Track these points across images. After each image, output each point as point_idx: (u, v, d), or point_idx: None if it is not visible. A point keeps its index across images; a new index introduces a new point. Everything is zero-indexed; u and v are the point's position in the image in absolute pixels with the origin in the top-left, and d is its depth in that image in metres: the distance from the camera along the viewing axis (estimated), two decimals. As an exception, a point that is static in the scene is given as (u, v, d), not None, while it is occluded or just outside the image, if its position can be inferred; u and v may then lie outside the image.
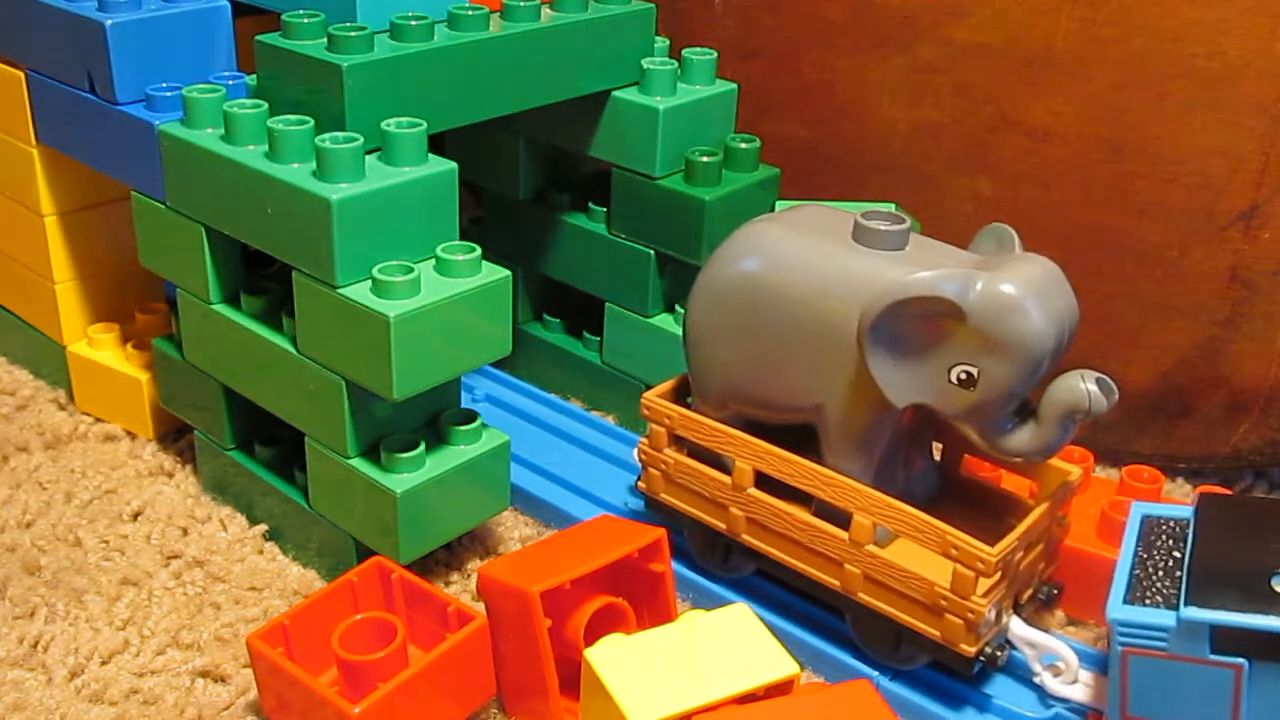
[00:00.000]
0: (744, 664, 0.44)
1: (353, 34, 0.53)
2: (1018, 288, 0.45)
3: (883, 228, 0.50)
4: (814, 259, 0.50)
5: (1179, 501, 0.62)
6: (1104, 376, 0.47)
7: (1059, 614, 0.57)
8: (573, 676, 0.47)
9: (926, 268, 0.47)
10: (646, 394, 0.57)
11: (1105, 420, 0.66)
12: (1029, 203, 0.65)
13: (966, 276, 0.46)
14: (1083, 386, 0.46)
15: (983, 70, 0.64)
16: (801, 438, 0.53)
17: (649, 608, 0.51)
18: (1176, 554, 0.47)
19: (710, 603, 0.55)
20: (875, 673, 0.52)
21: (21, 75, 0.63)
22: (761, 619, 0.48)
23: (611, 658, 0.44)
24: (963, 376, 0.47)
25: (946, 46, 0.65)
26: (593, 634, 0.48)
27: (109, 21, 0.56)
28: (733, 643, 0.45)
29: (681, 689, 0.43)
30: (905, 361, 0.48)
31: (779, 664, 0.45)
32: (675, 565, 0.54)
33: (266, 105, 0.53)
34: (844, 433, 0.51)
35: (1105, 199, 0.63)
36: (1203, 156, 0.60)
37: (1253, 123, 0.59)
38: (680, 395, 0.57)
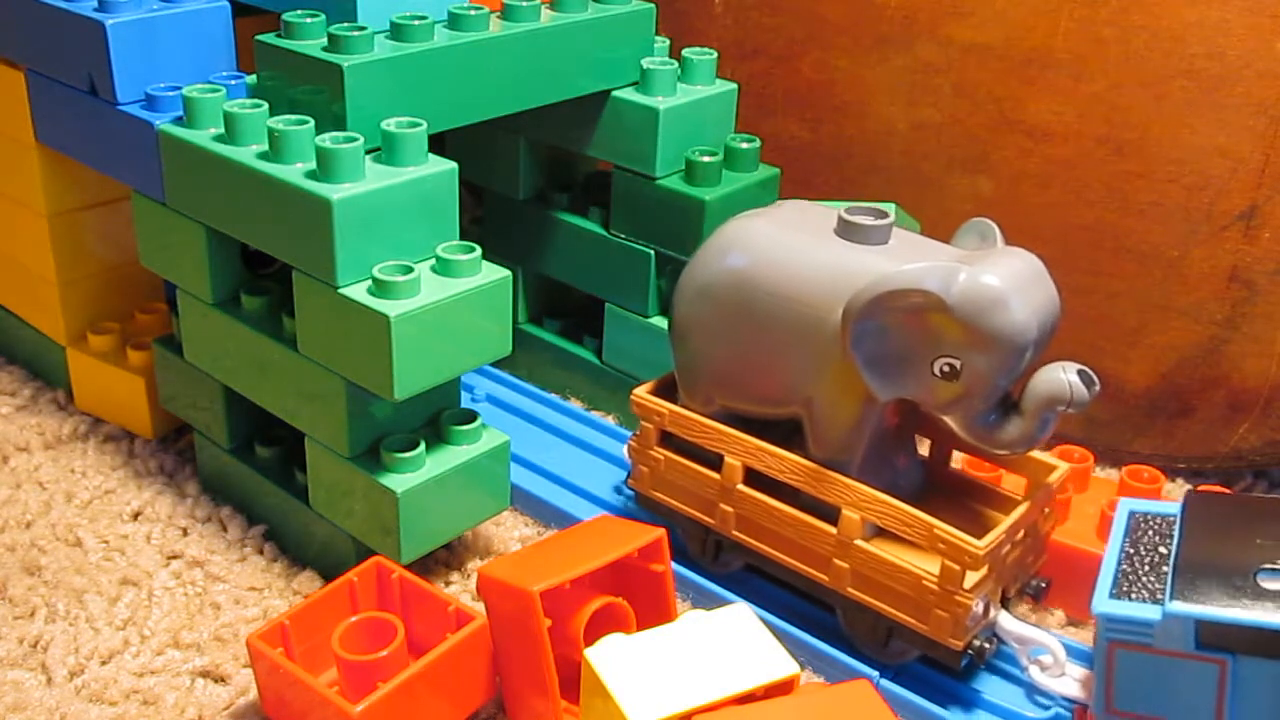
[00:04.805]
0: (744, 664, 0.44)
1: (353, 34, 0.53)
2: (1000, 280, 0.46)
3: (866, 223, 0.50)
4: (799, 254, 0.50)
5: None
6: (1085, 368, 0.47)
7: (1058, 614, 0.57)
8: (573, 676, 0.47)
9: (909, 262, 0.47)
10: (636, 390, 0.57)
11: (1105, 420, 0.67)
12: (1029, 203, 0.65)
13: (949, 270, 0.46)
14: (1064, 377, 0.47)
15: (983, 70, 0.64)
16: (787, 432, 0.53)
17: (649, 608, 0.51)
18: (1163, 550, 0.47)
19: (710, 603, 0.55)
20: (875, 673, 0.52)
21: (21, 75, 0.63)
22: (762, 619, 0.48)
23: (611, 658, 0.44)
24: (946, 369, 0.47)
25: (946, 46, 0.65)
26: (593, 634, 0.47)
27: (109, 21, 0.56)
28: (733, 643, 0.45)
29: (681, 689, 0.43)
30: (889, 355, 0.48)
31: (779, 664, 0.45)
32: (675, 565, 0.54)
33: (266, 105, 0.53)
34: (830, 427, 0.51)
35: (1105, 199, 0.63)
36: (1203, 156, 0.60)
37: (1253, 123, 0.59)
38: (670, 392, 0.57)
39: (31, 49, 0.61)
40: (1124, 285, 0.64)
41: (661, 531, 0.51)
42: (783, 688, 0.44)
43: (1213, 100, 0.59)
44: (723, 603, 0.52)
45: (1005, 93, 0.64)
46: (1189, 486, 0.66)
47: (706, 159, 0.63)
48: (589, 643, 0.46)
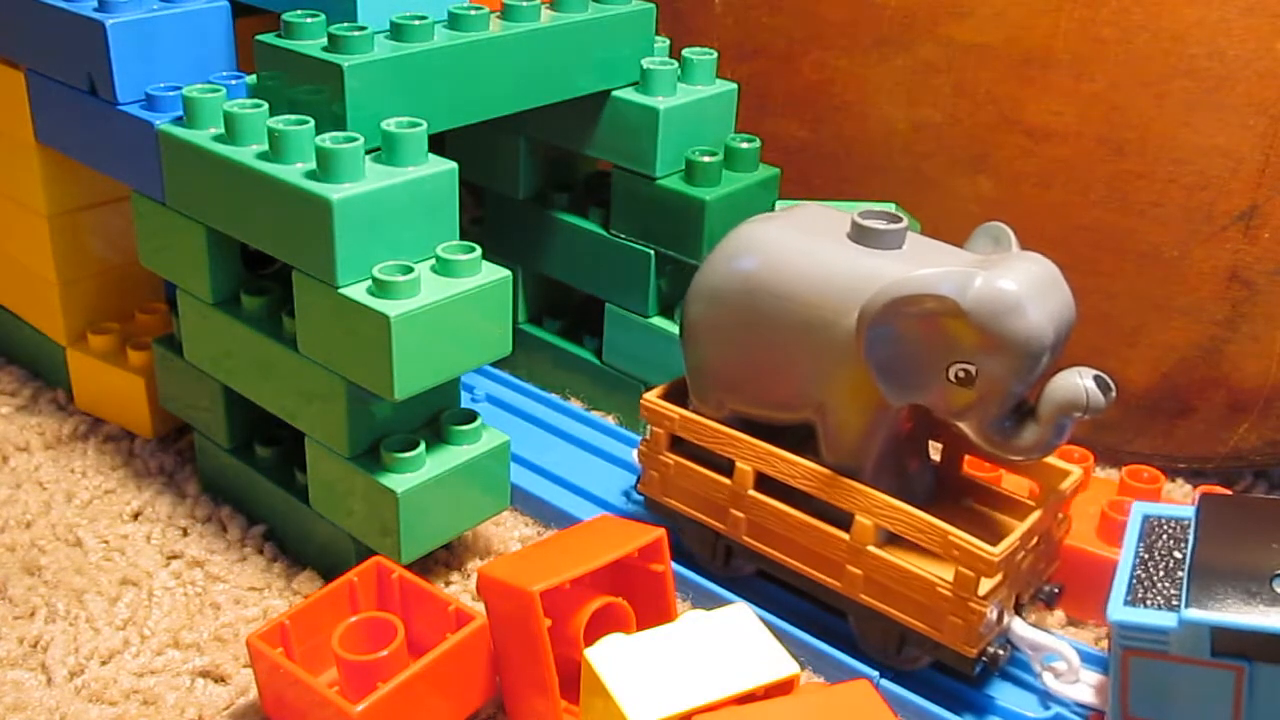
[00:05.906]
0: (744, 664, 0.44)
1: (353, 34, 0.53)
2: (1016, 285, 0.46)
3: (880, 227, 0.50)
4: (812, 258, 0.50)
5: (1178, 502, 0.62)
6: (1101, 373, 0.47)
7: (1058, 614, 0.57)
8: (573, 676, 0.47)
9: (924, 266, 0.47)
10: (646, 395, 0.57)
11: (1105, 420, 0.67)
12: (1029, 203, 0.65)
13: (964, 275, 0.46)
14: (1080, 383, 0.46)
15: (983, 70, 0.64)
16: (799, 437, 0.53)
17: (649, 608, 0.51)
18: (1177, 554, 0.47)
19: (710, 603, 0.55)
20: (875, 673, 0.52)
21: (21, 75, 0.63)
22: (762, 619, 0.48)
23: (611, 658, 0.44)
24: (961, 375, 0.47)
25: (946, 46, 0.65)
26: (593, 634, 0.47)
27: (109, 21, 0.56)
28: (733, 643, 0.45)
29: (681, 689, 0.43)
30: (903, 360, 0.48)
31: (779, 664, 0.45)
32: (675, 565, 0.54)
33: (266, 105, 0.53)
34: (842, 432, 0.51)
35: (1105, 199, 0.63)
36: (1203, 156, 0.60)
37: (1253, 123, 0.59)
38: (681, 397, 0.57)
39: (31, 49, 0.61)
40: (1124, 285, 0.64)
41: (661, 531, 0.51)
42: (783, 688, 0.44)
43: (1213, 100, 0.59)
44: (723, 602, 0.52)
45: (1005, 93, 0.64)
46: (1189, 486, 0.67)
47: (706, 159, 0.63)
48: (589, 643, 0.46)
